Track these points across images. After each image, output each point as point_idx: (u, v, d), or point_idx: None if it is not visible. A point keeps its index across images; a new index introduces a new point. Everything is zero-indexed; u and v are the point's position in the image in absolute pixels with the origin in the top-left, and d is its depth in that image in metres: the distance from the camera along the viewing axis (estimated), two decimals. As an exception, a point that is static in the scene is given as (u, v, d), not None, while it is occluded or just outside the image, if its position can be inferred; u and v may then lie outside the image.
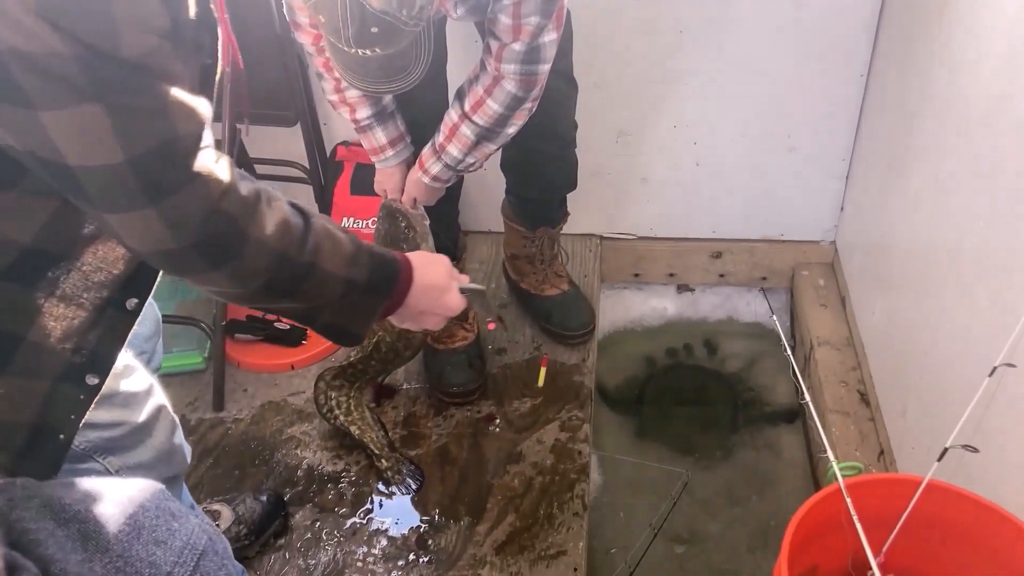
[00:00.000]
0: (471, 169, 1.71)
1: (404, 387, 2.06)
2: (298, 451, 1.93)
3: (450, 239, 1.98)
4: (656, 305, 2.55)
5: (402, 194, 1.77)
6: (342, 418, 1.87)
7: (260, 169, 2.21)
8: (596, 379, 2.15)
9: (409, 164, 1.77)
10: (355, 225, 2.26)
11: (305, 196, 2.36)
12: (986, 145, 1.44)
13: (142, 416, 1.28)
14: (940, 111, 1.65)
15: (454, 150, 1.66)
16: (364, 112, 1.67)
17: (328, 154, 2.33)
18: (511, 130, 1.63)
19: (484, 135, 1.63)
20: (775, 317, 1.49)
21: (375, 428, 1.88)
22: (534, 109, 1.62)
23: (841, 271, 2.32)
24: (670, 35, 2.08)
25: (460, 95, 1.63)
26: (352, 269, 1.06)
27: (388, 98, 1.68)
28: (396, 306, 1.15)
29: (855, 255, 2.24)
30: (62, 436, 1.05)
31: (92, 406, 1.06)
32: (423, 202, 1.79)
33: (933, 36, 1.69)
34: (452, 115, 1.64)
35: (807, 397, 1.33)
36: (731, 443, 2.21)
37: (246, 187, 0.95)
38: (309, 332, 2.14)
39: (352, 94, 1.64)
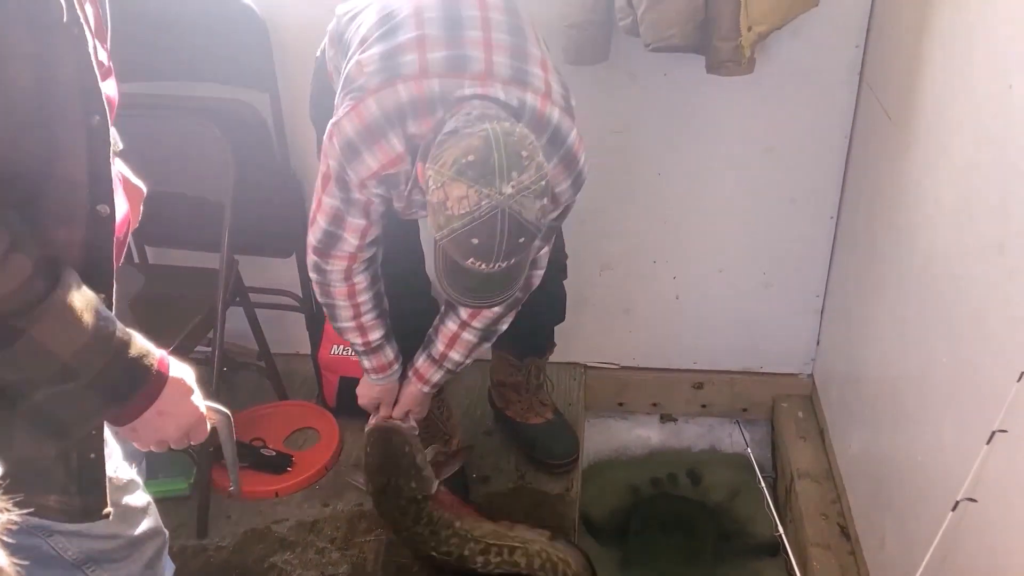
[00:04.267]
0: (463, 368, 1.78)
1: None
2: (279, 580, 1.92)
3: None
4: (640, 434, 2.58)
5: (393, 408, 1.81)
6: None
7: (254, 297, 2.28)
8: (580, 509, 2.16)
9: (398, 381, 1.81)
10: (344, 352, 2.31)
11: (297, 324, 2.42)
12: (945, 285, 1.52)
13: (137, 530, 1.30)
14: (903, 253, 1.74)
15: (457, 356, 1.73)
16: (377, 334, 1.71)
17: (321, 284, 2.40)
18: (503, 327, 1.72)
19: (484, 336, 1.71)
20: (750, 450, 1.53)
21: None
22: (519, 304, 1.70)
23: (819, 403, 2.37)
24: (649, 176, 2.20)
25: (450, 306, 1.70)
26: (79, 358, 0.95)
27: (388, 319, 1.74)
28: (129, 418, 1.05)
29: (832, 388, 2.29)
30: (93, 455, 1.06)
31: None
32: (418, 414, 1.83)
33: (895, 184, 1.80)
34: (450, 325, 1.71)
35: (781, 530, 1.35)
36: (715, 576, 2.21)
37: None
38: (296, 459, 2.18)
39: (368, 318, 1.68)
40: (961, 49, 1.50)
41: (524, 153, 1.26)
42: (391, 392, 1.80)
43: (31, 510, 0.99)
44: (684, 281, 2.35)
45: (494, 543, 1.84)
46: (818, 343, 2.39)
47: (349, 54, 1.49)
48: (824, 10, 1.91)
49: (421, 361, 1.76)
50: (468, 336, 1.71)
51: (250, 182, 2.06)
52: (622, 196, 2.24)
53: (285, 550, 1.99)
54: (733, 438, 2.53)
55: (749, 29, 1.82)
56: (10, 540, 1.08)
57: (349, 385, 2.30)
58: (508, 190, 1.24)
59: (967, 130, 1.46)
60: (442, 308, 1.75)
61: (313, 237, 1.58)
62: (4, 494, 0.90)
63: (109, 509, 1.11)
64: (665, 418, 2.58)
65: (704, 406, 2.55)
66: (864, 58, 1.99)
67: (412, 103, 1.37)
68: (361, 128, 1.38)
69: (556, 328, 2.16)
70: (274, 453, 2.18)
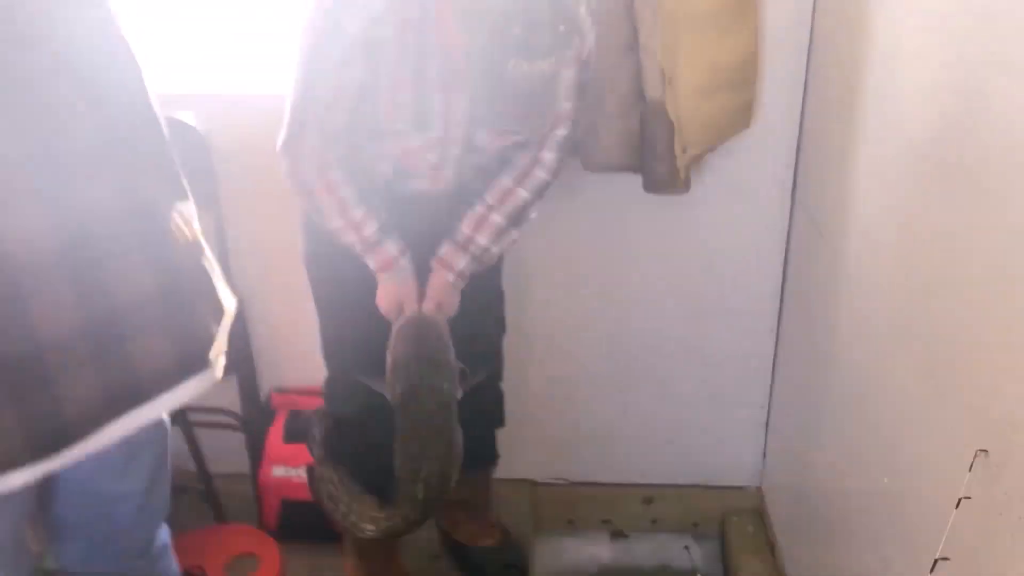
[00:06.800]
0: (491, 262, 1.73)
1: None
2: None
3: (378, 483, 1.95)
4: (592, 552, 2.52)
5: (420, 302, 1.70)
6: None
7: (191, 416, 2.22)
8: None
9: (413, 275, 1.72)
10: (287, 474, 2.24)
11: (236, 444, 2.35)
12: (881, 404, 1.53)
13: None
14: (841, 369, 1.76)
15: (483, 239, 1.68)
16: (372, 227, 1.64)
17: (262, 402, 2.35)
18: (533, 214, 1.71)
19: (511, 220, 1.68)
20: (701, 568, 1.50)
21: None
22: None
23: (768, 517, 2.35)
24: (591, 291, 2.23)
25: (477, 195, 1.69)
26: None
27: (385, 211, 1.68)
28: None
29: (780, 501, 2.28)
30: None
31: None
32: (448, 305, 1.72)
33: (830, 301, 1.83)
34: (476, 209, 1.67)
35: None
36: None
37: None
38: None
39: (356, 213, 1.63)
40: (886, 166, 1.55)
41: None
42: (409, 289, 1.69)
43: None
44: (630, 395, 2.35)
45: None
46: (764, 455, 2.38)
47: None
48: (756, 131, 1.99)
49: (444, 248, 1.69)
50: (495, 218, 1.67)
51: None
52: (566, 312, 2.25)
53: None
54: (686, 554, 2.48)
55: (684, 151, 1.87)
56: None
57: (291, 508, 2.24)
58: None
59: (894, 247, 1.50)
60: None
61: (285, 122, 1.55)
62: None
63: None
64: (616, 535, 2.54)
65: (654, 521, 2.51)
66: (796, 176, 2.05)
67: None
68: None
69: (504, 443, 2.13)
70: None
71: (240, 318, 2.23)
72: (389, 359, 1.65)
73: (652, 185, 1.92)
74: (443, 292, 1.70)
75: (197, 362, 1.22)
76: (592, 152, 1.91)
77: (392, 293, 1.70)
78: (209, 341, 1.24)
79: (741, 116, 1.95)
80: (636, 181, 1.94)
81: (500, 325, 1.96)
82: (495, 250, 1.70)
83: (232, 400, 2.30)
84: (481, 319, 1.90)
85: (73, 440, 1.12)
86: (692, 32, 1.83)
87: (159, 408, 1.20)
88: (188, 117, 1.99)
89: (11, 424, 1.06)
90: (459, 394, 1.67)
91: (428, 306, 1.69)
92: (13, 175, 1.01)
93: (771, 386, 2.29)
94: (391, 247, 1.66)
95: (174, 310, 1.19)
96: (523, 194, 1.67)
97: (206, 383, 1.25)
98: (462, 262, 1.69)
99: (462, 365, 1.72)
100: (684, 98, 1.84)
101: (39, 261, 1.05)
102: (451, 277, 1.69)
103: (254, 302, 2.25)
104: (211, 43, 2.15)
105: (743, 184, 2.07)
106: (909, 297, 1.43)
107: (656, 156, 1.88)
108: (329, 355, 1.90)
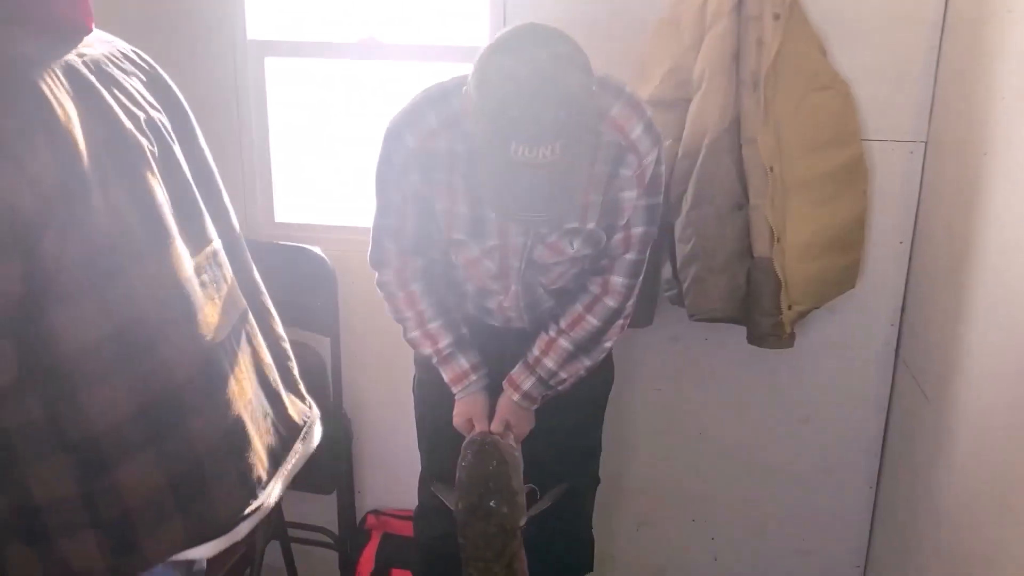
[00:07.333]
0: (561, 387, 1.72)
1: None
2: None
3: None
4: None
5: (489, 421, 1.73)
6: None
7: (291, 532, 2.28)
8: None
9: (489, 391, 1.75)
10: (375, 595, 2.27)
11: (330, 561, 2.40)
12: (991, 573, 1.51)
13: None
14: (943, 534, 1.73)
15: (550, 362, 1.70)
16: (446, 340, 1.71)
17: (358, 522, 2.40)
18: (607, 344, 1.73)
19: (581, 347, 1.70)
20: None
21: None
22: (625, 327, 1.74)
23: None
24: (690, 435, 2.25)
25: (552, 316, 1.72)
26: None
27: (464, 328, 1.75)
28: None
29: (877, 667, 2.20)
30: None
31: None
32: (517, 426, 1.74)
33: (934, 464, 1.82)
34: (549, 332, 1.70)
35: None
36: None
37: None
38: None
39: (433, 326, 1.71)
40: (998, 343, 1.57)
41: (562, 36, 1.35)
42: (478, 405, 1.72)
43: None
44: (722, 542, 2.33)
45: None
46: (860, 616, 2.32)
47: None
48: (861, 290, 2.04)
49: (516, 368, 1.72)
50: (563, 343, 1.69)
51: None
52: (662, 453, 2.27)
53: None
54: None
55: (789, 307, 1.92)
56: None
57: (380, 628, 2.26)
58: (543, 55, 1.31)
59: (1009, 429, 1.50)
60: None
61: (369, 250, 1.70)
62: None
63: None
64: None
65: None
66: (900, 336, 2.08)
67: None
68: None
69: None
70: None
71: (345, 441, 2.31)
72: (457, 475, 1.70)
73: (756, 338, 1.97)
74: (510, 411, 1.73)
75: (304, 425, 1.38)
76: (698, 301, 1.96)
77: (464, 409, 1.74)
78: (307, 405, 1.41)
79: (847, 276, 2.00)
80: (740, 332, 1.99)
81: (594, 478, 1.98)
82: (563, 375, 1.72)
83: (330, 519, 2.36)
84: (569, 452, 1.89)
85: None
86: (801, 195, 1.92)
87: (301, 461, 1.35)
88: (318, 250, 2.13)
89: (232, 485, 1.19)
90: (522, 520, 1.69)
91: (495, 426, 1.72)
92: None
93: (868, 546, 2.25)
94: (463, 362, 1.73)
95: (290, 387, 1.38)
96: (592, 321, 1.70)
97: (313, 445, 1.40)
98: (528, 383, 1.71)
99: (531, 486, 1.74)
100: (791, 257, 1.91)
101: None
102: (516, 397, 1.72)
103: (360, 426, 2.34)
104: (343, 178, 2.32)
105: (847, 341, 2.10)
106: (1021, 468, 1.42)
107: (761, 310, 1.93)
108: (421, 480, 1.95)
